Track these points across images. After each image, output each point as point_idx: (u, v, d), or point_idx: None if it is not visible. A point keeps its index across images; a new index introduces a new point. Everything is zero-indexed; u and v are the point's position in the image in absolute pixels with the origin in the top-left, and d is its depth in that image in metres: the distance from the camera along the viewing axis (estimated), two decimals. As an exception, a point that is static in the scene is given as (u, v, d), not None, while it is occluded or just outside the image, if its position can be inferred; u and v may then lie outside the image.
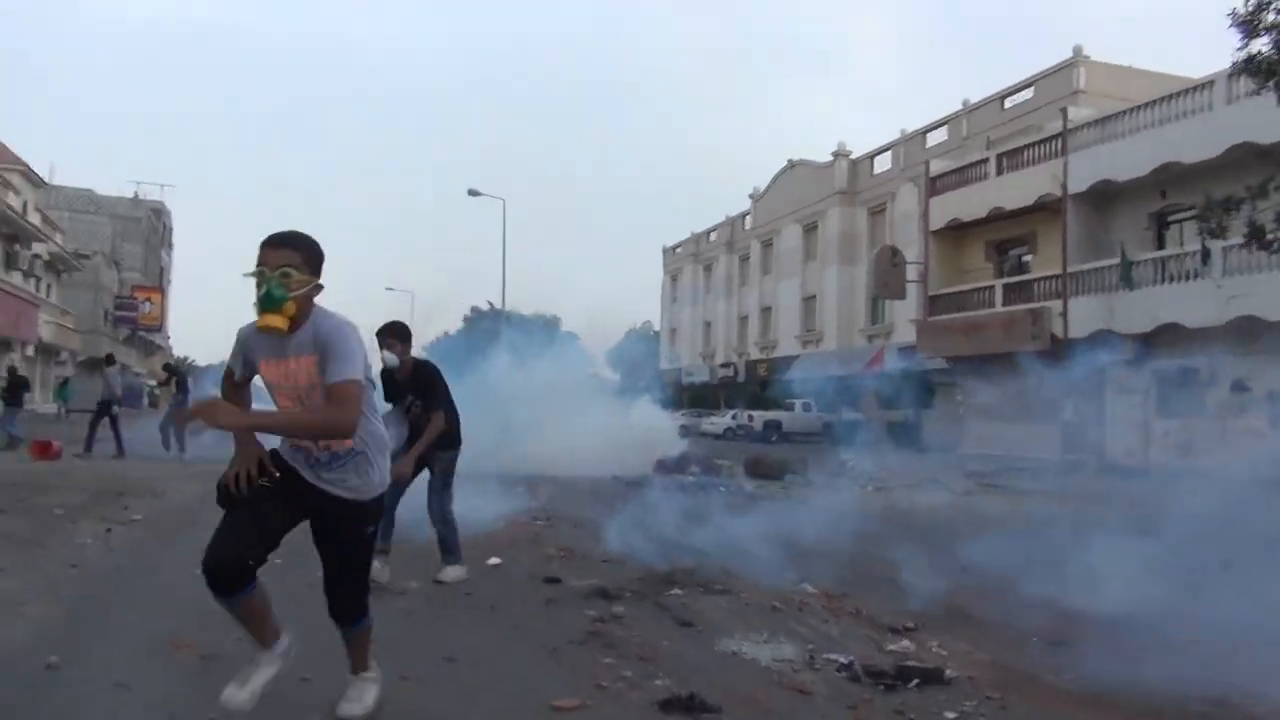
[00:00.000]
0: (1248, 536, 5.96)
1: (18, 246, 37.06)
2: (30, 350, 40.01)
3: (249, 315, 2.97)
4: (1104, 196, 22.88)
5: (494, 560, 6.23)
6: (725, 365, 52.80)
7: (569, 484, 12.73)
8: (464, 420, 6.32)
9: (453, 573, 5.57)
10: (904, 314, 34.75)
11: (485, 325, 66.62)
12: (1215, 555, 5.74)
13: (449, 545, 5.67)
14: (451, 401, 5.73)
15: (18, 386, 18.26)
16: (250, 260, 2.87)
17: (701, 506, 10.63)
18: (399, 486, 5.26)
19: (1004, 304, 24.85)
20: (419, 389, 5.56)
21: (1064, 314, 22.65)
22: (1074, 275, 22.77)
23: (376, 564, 5.02)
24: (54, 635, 4.04)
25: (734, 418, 39.54)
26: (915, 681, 3.64)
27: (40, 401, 41.04)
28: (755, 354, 49.83)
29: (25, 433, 17.48)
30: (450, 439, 5.70)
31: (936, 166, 28.35)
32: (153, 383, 64.41)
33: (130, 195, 68.83)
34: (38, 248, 39.72)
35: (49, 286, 43.16)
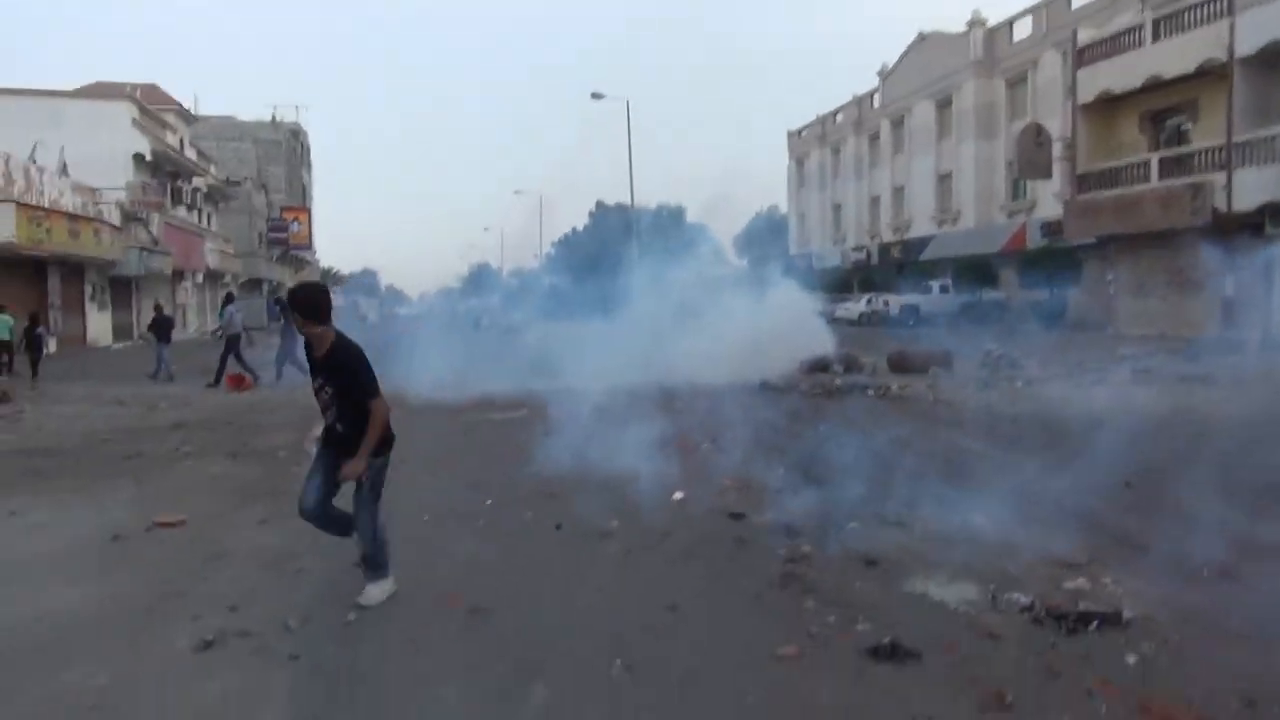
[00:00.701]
0: None
1: (180, 182, 39.57)
2: (199, 278, 43.05)
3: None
4: (1276, 57, 21.12)
5: (678, 495, 6.83)
6: (857, 249, 51.93)
7: (720, 395, 12.98)
8: (607, 330, 6.36)
9: (375, 592, 4.66)
10: (1047, 187, 33.30)
11: (611, 219, 67.15)
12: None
13: (376, 561, 4.72)
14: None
15: (166, 324, 19.94)
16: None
17: (852, 415, 11.02)
18: (336, 486, 4.69)
19: (1160, 178, 23.54)
20: (335, 373, 4.58)
21: (1228, 187, 21.36)
22: (1240, 145, 21.31)
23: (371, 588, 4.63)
24: (339, 592, 4.84)
25: (869, 303, 39.18)
26: (1095, 624, 4.02)
27: (210, 324, 44.35)
28: (888, 236, 48.80)
29: (177, 364, 19.42)
30: (382, 440, 4.66)
31: (1084, 36, 26.61)
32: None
33: (269, 119, 71.63)
34: (197, 181, 42.30)
35: (209, 216, 45.98)
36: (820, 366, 17.10)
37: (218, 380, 17.17)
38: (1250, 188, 20.94)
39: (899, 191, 48.19)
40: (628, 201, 46.40)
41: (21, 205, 22.89)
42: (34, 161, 26.65)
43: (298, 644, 4.12)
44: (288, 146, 72.11)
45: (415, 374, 13.90)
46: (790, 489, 6.97)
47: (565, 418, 9.99)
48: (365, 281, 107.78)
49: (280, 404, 13.87)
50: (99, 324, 30.49)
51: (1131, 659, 3.71)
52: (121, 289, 32.83)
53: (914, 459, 7.67)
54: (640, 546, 5.57)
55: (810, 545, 5.43)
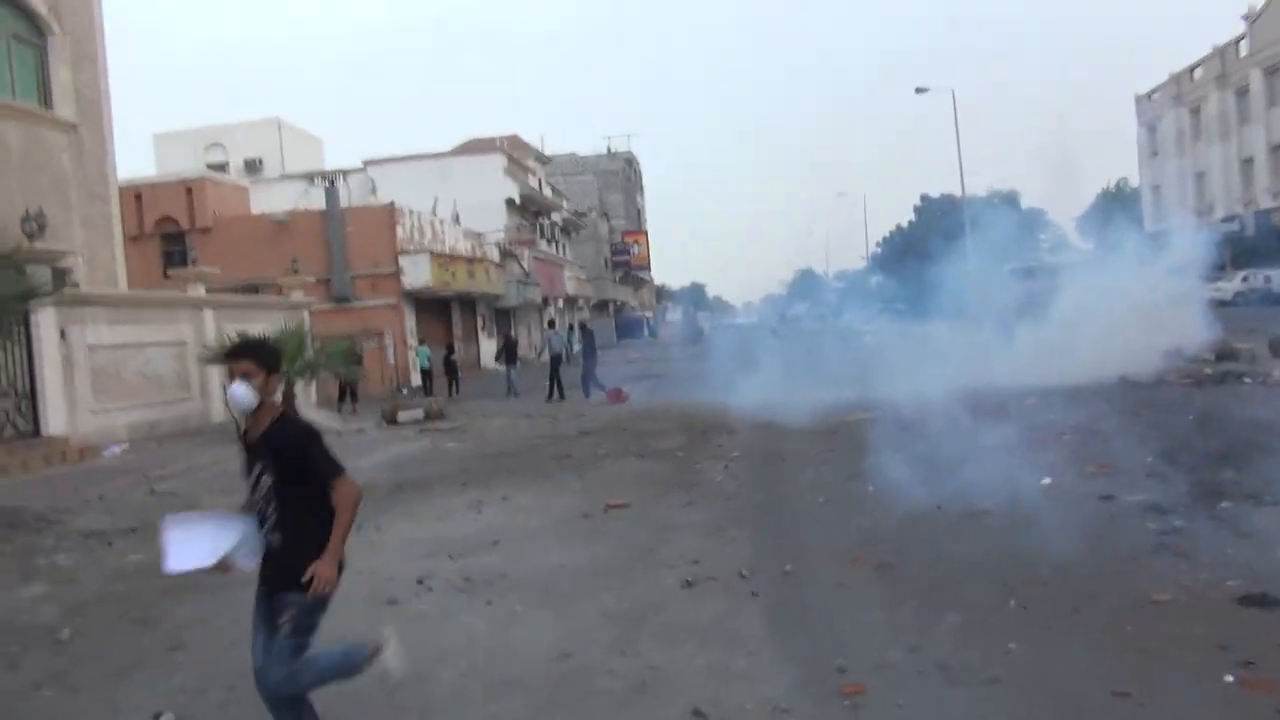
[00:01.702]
0: None
1: (541, 219, 44.73)
2: (560, 303, 48.15)
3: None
4: None
5: (1046, 480, 7.52)
6: (1228, 219, 46.67)
7: (1076, 392, 12.95)
8: (943, 332, 6.67)
9: None
10: None
11: (938, 211, 65.38)
12: None
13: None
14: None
15: (513, 348, 23.62)
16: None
17: (1226, 405, 10.79)
18: (316, 608, 3.40)
19: None
20: (277, 456, 3.35)
21: None
22: None
23: None
24: (768, 553, 6.20)
25: (1245, 280, 35.33)
26: None
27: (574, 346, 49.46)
28: (1267, 202, 43.46)
29: (526, 385, 22.59)
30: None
31: None
32: (649, 314, 73.17)
33: (604, 151, 77.78)
34: (554, 216, 47.50)
35: (564, 246, 51.27)
36: (1185, 356, 16.07)
37: (551, 395, 20.29)
38: None
39: (1278, 150, 42.80)
40: (954, 192, 45.18)
41: (434, 254, 27.58)
42: (435, 215, 31.72)
43: (754, 586, 5.50)
44: (623, 175, 77.88)
45: (760, 385, 15.30)
46: (1158, 474, 7.41)
47: (918, 419, 10.83)
48: (694, 295, 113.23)
49: (656, 414, 15.76)
50: (488, 349, 35.42)
51: None
52: (502, 317, 37.85)
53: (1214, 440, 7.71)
54: (1016, 522, 6.39)
55: (1182, 520, 5.97)
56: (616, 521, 7.67)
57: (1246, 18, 44.85)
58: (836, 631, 4.67)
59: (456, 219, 34.75)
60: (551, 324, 24.72)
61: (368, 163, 39.61)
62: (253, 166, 42.09)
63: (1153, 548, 5.50)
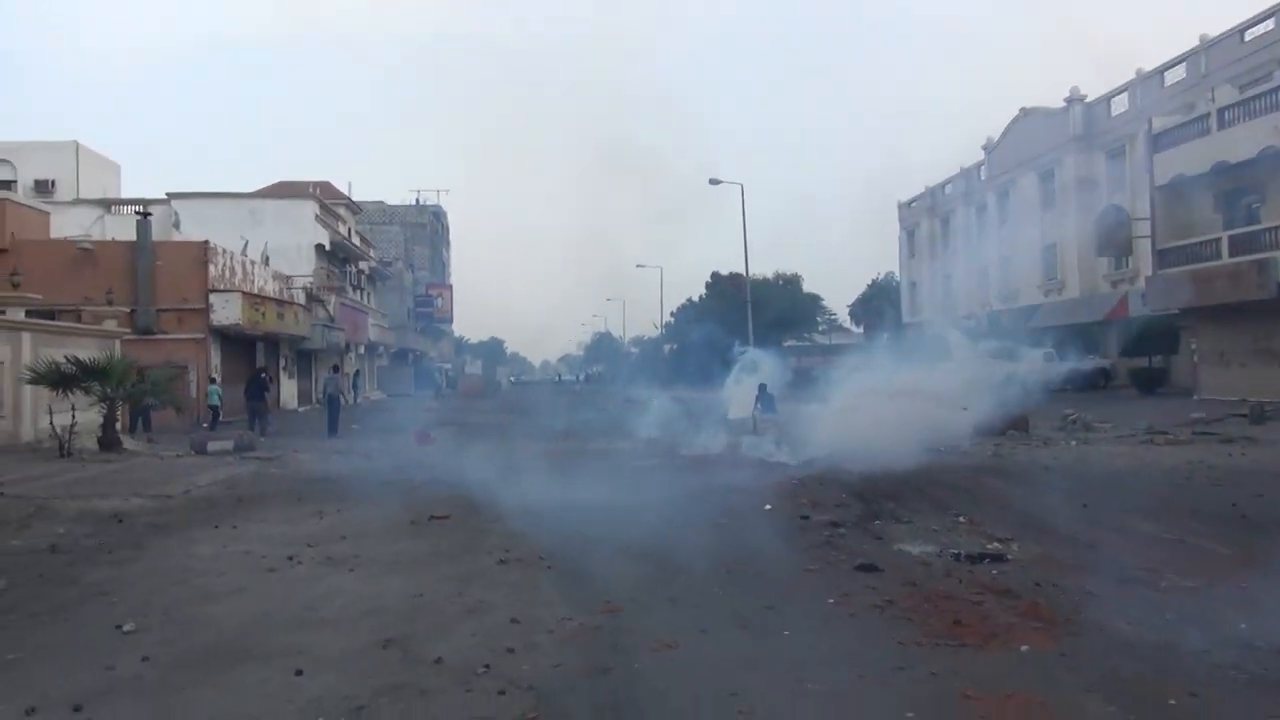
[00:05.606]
0: None
1: (349, 266, 45.50)
2: (361, 349, 48.72)
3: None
4: (1331, 144, 23.16)
5: (768, 506, 10.16)
6: (967, 317, 53.87)
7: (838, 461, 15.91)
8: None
9: None
10: (1148, 260, 35.06)
11: (726, 290, 70.74)
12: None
13: None
14: None
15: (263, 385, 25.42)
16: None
17: (922, 466, 14.04)
18: None
19: (1231, 255, 25.57)
20: None
21: (1289, 263, 23.37)
22: (1300, 224, 23.31)
23: None
24: (559, 546, 8.37)
25: (974, 370, 41.30)
26: (986, 560, 7.17)
27: (369, 390, 49.92)
28: (997, 305, 50.66)
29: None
30: None
31: (1159, 123, 29.02)
32: (447, 366, 74.06)
33: (413, 202, 78.84)
34: (361, 264, 48.32)
35: (369, 295, 51.97)
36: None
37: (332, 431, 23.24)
38: (1311, 265, 22.83)
39: (1006, 261, 50.18)
40: (742, 272, 49.69)
41: (246, 294, 28.20)
42: (245, 255, 32.22)
43: (551, 563, 7.63)
44: (430, 228, 79.10)
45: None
46: (845, 505, 10.23)
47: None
48: (492, 349, 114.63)
49: (458, 452, 17.50)
50: (288, 390, 35.83)
51: (995, 571, 6.89)
52: (303, 359, 38.29)
53: (943, 487, 10.80)
54: (747, 523, 8.90)
55: (845, 530, 8.69)
56: (440, 528, 9.57)
57: (985, 147, 52.65)
58: (605, 587, 6.87)
59: (266, 260, 35.23)
60: (335, 368, 27.32)
61: (172, 195, 39.25)
62: (43, 188, 40.57)
63: (820, 544, 8.11)
